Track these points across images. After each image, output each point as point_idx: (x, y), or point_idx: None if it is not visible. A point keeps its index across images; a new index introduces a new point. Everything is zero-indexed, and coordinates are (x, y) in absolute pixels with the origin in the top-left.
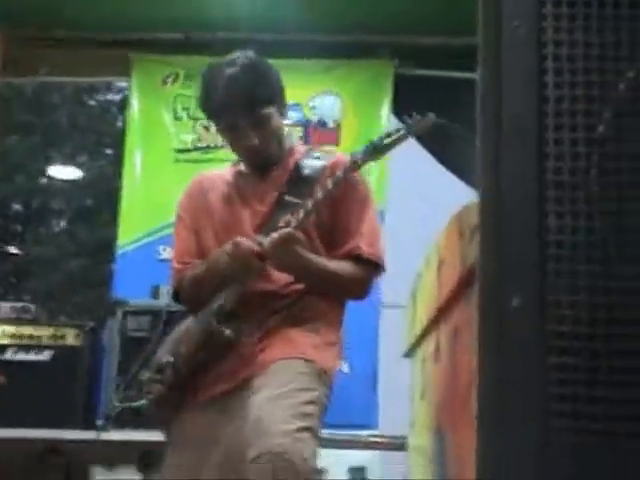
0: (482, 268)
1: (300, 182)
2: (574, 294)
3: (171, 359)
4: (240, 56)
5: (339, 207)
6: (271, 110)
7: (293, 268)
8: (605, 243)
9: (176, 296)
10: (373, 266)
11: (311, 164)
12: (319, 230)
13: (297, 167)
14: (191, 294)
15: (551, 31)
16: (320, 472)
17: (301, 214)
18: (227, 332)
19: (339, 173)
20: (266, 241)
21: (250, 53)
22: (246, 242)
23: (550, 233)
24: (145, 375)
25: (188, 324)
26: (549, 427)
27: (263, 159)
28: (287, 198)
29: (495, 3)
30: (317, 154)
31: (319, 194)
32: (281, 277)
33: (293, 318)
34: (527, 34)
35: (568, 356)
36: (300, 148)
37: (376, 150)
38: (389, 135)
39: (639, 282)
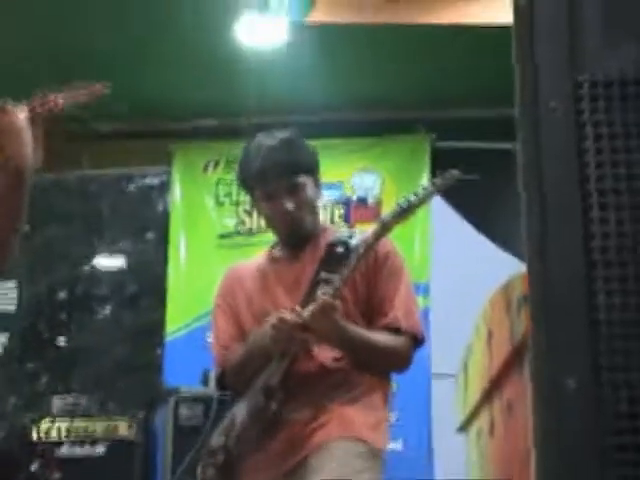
0: (535, 350)
1: (334, 259)
2: (628, 372)
3: (222, 441)
4: (277, 132)
5: (374, 280)
6: (307, 180)
7: (334, 337)
8: None
9: (221, 382)
10: (412, 338)
11: (344, 241)
12: (357, 305)
13: (330, 245)
14: (236, 377)
15: (588, 112)
16: None
17: (337, 282)
18: (273, 406)
19: (369, 237)
20: (305, 312)
21: (287, 130)
22: (289, 315)
23: (600, 312)
24: (199, 460)
25: (237, 406)
26: None
27: (297, 230)
28: (323, 276)
29: (531, 84)
30: (350, 232)
31: (352, 261)
32: (326, 355)
33: (345, 396)
34: (564, 115)
35: (627, 436)
36: (333, 228)
37: (403, 210)
38: (415, 195)
39: None
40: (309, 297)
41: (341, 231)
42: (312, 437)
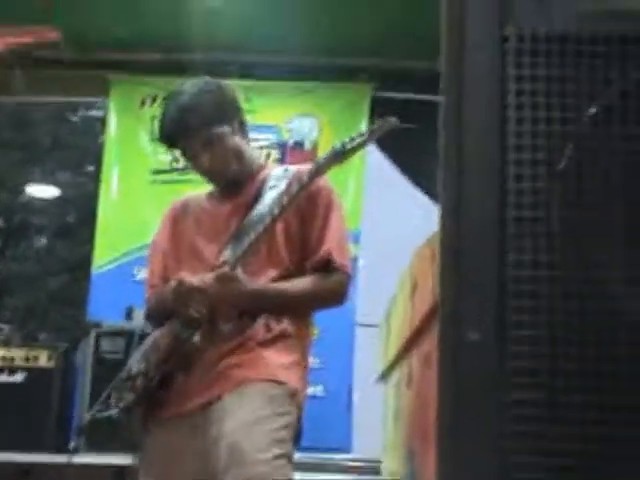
0: (442, 302)
1: (268, 194)
2: (534, 329)
3: (142, 367)
4: (190, 82)
5: (305, 215)
6: (223, 130)
7: (240, 304)
8: (566, 278)
9: (147, 317)
10: (344, 273)
11: (277, 175)
12: (288, 239)
13: (264, 181)
14: (157, 316)
15: (512, 66)
16: None
17: (244, 245)
18: (195, 339)
19: (304, 177)
20: (207, 278)
21: (203, 78)
22: (188, 280)
23: (510, 268)
24: (116, 385)
25: (156, 334)
26: (507, 464)
27: (223, 179)
28: (256, 211)
29: (457, 35)
30: (286, 167)
31: (284, 200)
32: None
33: (263, 336)
34: (489, 69)
35: (527, 392)
36: (270, 165)
37: (338, 154)
38: (352, 139)
39: (601, 318)
40: (241, 233)
41: (278, 168)
42: (227, 376)
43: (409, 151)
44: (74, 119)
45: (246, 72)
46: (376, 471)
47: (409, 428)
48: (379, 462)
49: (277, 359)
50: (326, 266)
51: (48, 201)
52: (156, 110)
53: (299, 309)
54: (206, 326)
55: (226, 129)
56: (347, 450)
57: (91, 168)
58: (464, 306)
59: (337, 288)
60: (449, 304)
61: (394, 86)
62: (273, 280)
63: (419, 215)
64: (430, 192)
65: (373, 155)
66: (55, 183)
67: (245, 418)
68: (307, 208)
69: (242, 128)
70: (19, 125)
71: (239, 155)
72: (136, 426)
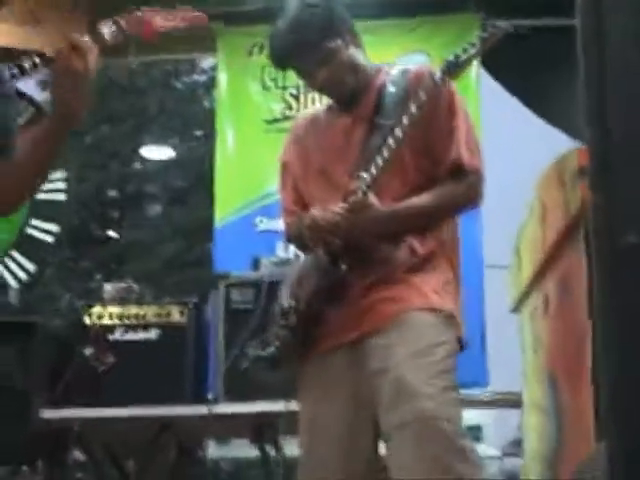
0: (595, 208)
1: (388, 100)
2: None
3: (293, 302)
4: (293, 2)
5: (429, 121)
6: (336, 43)
7: (378, 230)
8: None
9: (290, 242)
10: (476, 173)
11: (395, 78)
12: (413, 153)
13: (382, 86)
14: (299, 244)
15: None
16: (465, 435)
17: (373, 169)
18: (341, 271)
19: (422, 95)
20: (339, 210)
21: None
22: (321, 216)
23: None
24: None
25: (300, 266)
26: None
27: (341, 94)
28: (378, 121)
29: None
30: (403, 69)
31: (404, 120)
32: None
33: (409, 260)
34: None
35: None
36: (387, 68)
37: (453, 67)
38: (465, 50)
39: None
40: (367, 146)
41: (393, 69)
42: (381, 309)
43: (523, 76)
44: (178, 85)
45: (351, 12)
46: (516, 403)
47: (549, 355)
48: (518, 394)
49: (428, 284)
50: (458, 170)
51: (159, 167)
52: (264, 59)
53: (438, 221)
54: (350, 257)
55: (339, 42)
56: (484, 384)
57: (199, 132)
58: (618, 212)
59: (471, 191)
60: (601, 209)
61: (503, 14)
62: (404, 196)
63: (537, 140)
64: (546, 116)
65: (486, 83)
66: (165, 149)
67: (407, 351)
68: (430, 114)
69: (353, 39)
70: (128, 93)
71: (354, 68)
72: (292, 361)
